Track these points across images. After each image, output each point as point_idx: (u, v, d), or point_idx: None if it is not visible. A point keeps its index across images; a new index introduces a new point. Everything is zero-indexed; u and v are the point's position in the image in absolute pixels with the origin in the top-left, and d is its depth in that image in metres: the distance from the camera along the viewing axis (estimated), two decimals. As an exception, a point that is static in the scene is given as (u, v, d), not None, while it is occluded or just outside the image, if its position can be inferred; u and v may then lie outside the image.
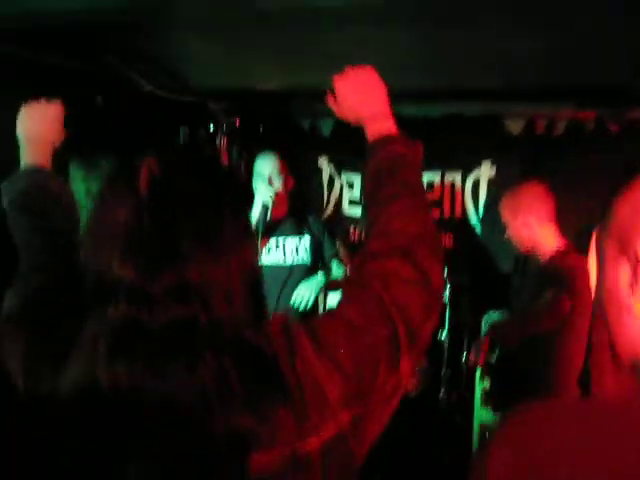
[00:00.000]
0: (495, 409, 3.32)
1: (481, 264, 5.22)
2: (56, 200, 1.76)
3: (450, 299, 4.94)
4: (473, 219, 5.35)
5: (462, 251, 5.34)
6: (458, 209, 5.37)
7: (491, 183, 5.28)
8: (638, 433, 0.90)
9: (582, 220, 5.18)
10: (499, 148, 5.26)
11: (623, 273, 0.99)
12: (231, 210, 1.22)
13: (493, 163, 5.27)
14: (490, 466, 0.92)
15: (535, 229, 3.38)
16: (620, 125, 4.79)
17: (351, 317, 1.18)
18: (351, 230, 5.39)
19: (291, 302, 3.93)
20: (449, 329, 4.89)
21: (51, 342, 1.17)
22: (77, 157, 3.56)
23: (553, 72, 4.09)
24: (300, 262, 4.06)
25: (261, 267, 1.27)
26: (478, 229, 5.34)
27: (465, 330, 4.90)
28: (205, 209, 1.18)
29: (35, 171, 1.85)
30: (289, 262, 4.03)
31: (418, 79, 4.42)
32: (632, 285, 0.98)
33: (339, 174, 5.46)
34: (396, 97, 4.80)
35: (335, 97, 1.77)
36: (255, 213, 3.74)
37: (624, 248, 1.00)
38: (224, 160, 4.86)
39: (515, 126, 5.12)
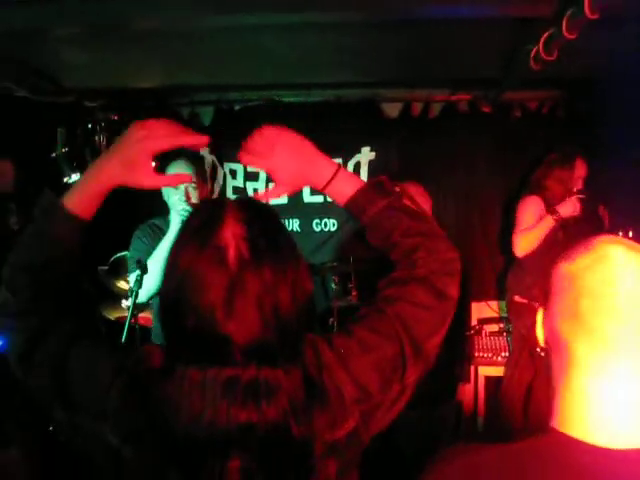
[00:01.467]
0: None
1: (364, 247, 5.32)
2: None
3: (336, 283, 5.08)
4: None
5: (346, 235, 5.46)
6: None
7: (371, 166, 5.38)
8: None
9: (460, 195, 5.40)
10: (377, 132, 5.36)
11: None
12: (297, 270, 1.35)
13: (372, 147, 5.37)
14: None
15: None
16: (492, 107, 4.98)
17: (363, 337, 1.42)
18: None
19: None
20: (337, 314, 5.02)
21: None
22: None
23: (428, 66, 4.25)
24: None
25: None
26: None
27: (352, 313, 5.02)
28: (285, 274, 1.31)
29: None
30: None
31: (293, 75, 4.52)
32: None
33: (221, 163, 5.44)
34: (278, 86, 4.88)
35: (270, 167, 1.64)
36: (173, 226, 3.42)
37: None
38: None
39: (392, 110, 5.24)
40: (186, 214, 3.35)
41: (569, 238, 4.27)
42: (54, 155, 4.57)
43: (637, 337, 1.10)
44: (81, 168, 4.66)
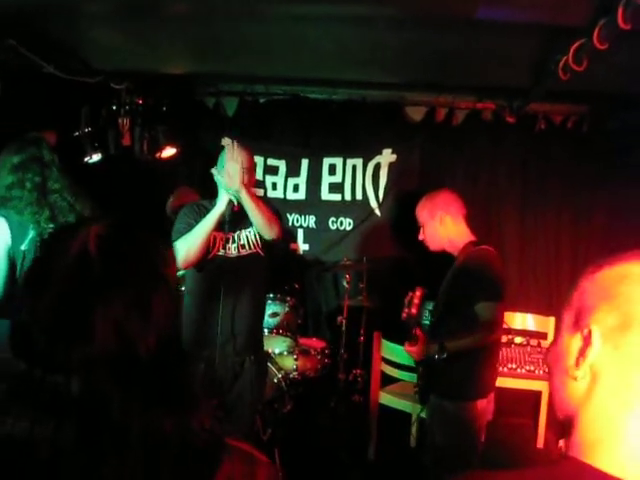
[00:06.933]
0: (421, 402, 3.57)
1: (378, 247, 5.37)
2: None
3: (348, 282, 5.06)
4: (373, 203, 5.46)
5: (360, 235, 5.48)
6: (358, 193, 5.47)
7: (392, 168, 5.39)
8: None
9: (479, 205, 5.37)
10: (400, 135, 5.37)
11: (574, 345, 1.07)
12: (164, 283, 1.21)
13: (394, 149, 5.37)
14: None
15: (450, 227, 3.58)
16: (516, 117, 4.97)
17: None
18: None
19: None
20: (347, 313, 5.01)
21: None
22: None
23: (455, 71, 4.24)
24: (250, 253, 3.68)
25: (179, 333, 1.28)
26: (377, 212, 5.46)
27: (362, 314, 5.05)
28: (143, 278, 1.18)
29: None
30: (242, 253, 3.65)
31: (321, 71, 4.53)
32: (578, 358, 1.05)
33: (242, 155, 5.45)
34: (304, 82, 4.89)
35: None
36: (220, 206, 3.42)
37: (579, 323, 1.07)
38: (127, 140, 4.80)
39: (416, 114, 5.23)
40: (237, 195, 3.37)
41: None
42: (77, 134, 4.60)
43: None
44: (102, 149, 4.69)
